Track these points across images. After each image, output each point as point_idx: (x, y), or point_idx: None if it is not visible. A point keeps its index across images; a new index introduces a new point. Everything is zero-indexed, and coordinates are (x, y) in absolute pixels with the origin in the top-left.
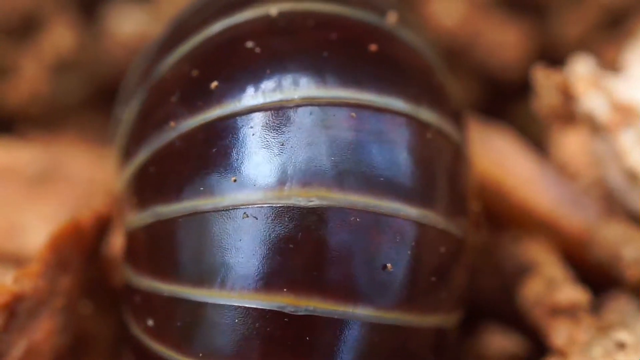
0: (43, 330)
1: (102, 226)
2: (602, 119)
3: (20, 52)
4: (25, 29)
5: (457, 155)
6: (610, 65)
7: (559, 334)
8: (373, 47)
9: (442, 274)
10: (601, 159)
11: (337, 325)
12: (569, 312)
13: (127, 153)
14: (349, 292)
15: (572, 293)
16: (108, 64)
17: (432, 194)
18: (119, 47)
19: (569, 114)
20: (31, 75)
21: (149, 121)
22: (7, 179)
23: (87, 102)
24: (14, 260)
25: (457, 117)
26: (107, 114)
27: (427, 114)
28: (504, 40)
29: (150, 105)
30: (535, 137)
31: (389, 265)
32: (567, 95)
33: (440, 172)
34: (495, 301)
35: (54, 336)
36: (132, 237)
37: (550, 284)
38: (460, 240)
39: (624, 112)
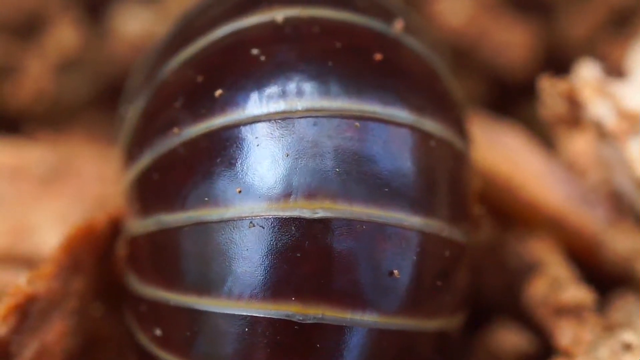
0: (55, 331)
1: (115, 228)
2: (609, 127)
3: (25, 52)
4: (30, 28)
5: (460, 162)
6: (616, 64)
7: (564, 334)
8: (378, 56)
9: (447, 278)
10: (609, 164)
11: (345, 332)
12: (574, 312)
13: (131, 154)
14: (357, 299)
15: (576, 293)
16: (114, 63)
17: (436, 203)
18: (125, 46)
19: (575, 120)
20: (36, 75)
21: (153, 125)
22: (16, 178)
23: (94, 101)
24: (26, 261)
25: (461, 123)
26: (115, 112)
27: (430, 124)
28: (510, 40)
29: (154, 108)
30: (542, 136)
31: (395, 271)
32: (573, 103)
33: (444, 181)
34: (503, 299)
35: (66, 338)
36: (136, 244)
37: (555, 284)
38: (464, 245)
39: (631, 120)
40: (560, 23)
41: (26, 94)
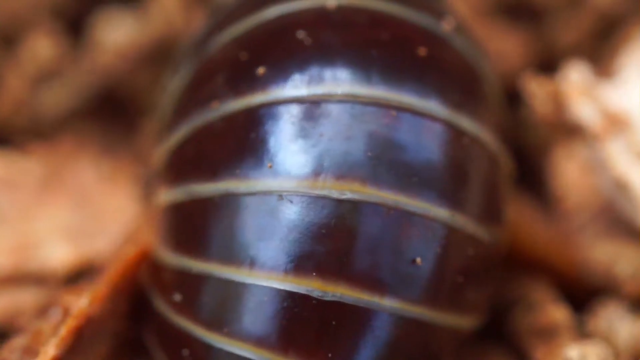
0: (99, 353)
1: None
2: (591, 128)
3: (2, 63)
4: (7, 39)
5: (492, 165)
6: (606, 71)
7: (540, 354)
8: (422, 51)
9: (468, 275)
10: (594, 170)
11: (362, 313)
12: (550, 331)
13: (168, 125)
14: (376, 282)
15: (552, 313)
16: (99, 73)
17: (463, 198)
18: (110, 55)
19: (561, 122)
20: (13, 86)
21: (194, 98)
22: (12, 190)
23: (83, 111)
24: (35, 279)
25: (497, 129)
26: (106, 122)
27: (466, 122)
28: (503, 49)
29: (198, 82)
30: (532, 147)
31: (418, 259)
32: (559, 104)
33: (473, 179)
34: (493, 329)
35: (107, 359)
36: (164, 213)
37: (533, 307)
38: (489, 246)
39: (613, 121)
40: (550, 30)
41: (4, 106)
